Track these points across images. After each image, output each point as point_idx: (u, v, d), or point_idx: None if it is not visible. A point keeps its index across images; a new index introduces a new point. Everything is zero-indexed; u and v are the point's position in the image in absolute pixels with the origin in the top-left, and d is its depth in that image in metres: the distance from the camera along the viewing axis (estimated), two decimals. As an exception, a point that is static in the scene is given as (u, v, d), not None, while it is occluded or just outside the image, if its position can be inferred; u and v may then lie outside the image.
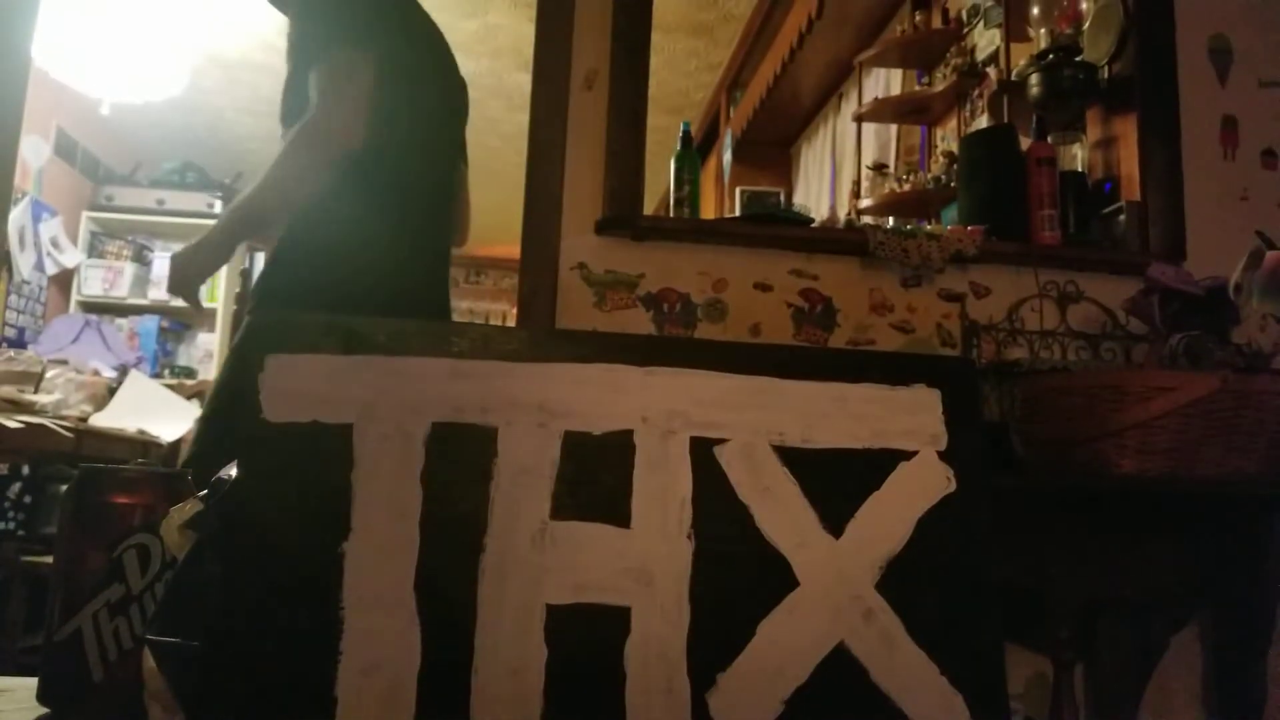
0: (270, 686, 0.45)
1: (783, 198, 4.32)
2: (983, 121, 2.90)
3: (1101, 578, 1.66)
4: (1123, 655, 1.91)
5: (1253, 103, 2.32)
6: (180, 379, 4.56)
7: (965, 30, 3.13)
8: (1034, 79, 2.33)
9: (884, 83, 3.80)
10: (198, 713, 0.44)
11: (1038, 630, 1.67)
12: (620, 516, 0.50)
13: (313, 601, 0.47)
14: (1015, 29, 2.75)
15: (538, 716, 0.47)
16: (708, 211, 4.30)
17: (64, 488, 0.72)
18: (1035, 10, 2.45)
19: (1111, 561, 1.66)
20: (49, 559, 2.04)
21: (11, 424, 2.46)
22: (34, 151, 4.47)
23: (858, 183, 3.57)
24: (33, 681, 0.70)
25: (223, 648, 0.45)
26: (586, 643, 0.48)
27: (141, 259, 5.13)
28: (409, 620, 0.47)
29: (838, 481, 0.53)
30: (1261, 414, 1.55)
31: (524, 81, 2.29)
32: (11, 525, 2.88)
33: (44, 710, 0.67)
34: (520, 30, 4.24)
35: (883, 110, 3.45)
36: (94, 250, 5.10)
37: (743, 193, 3.87)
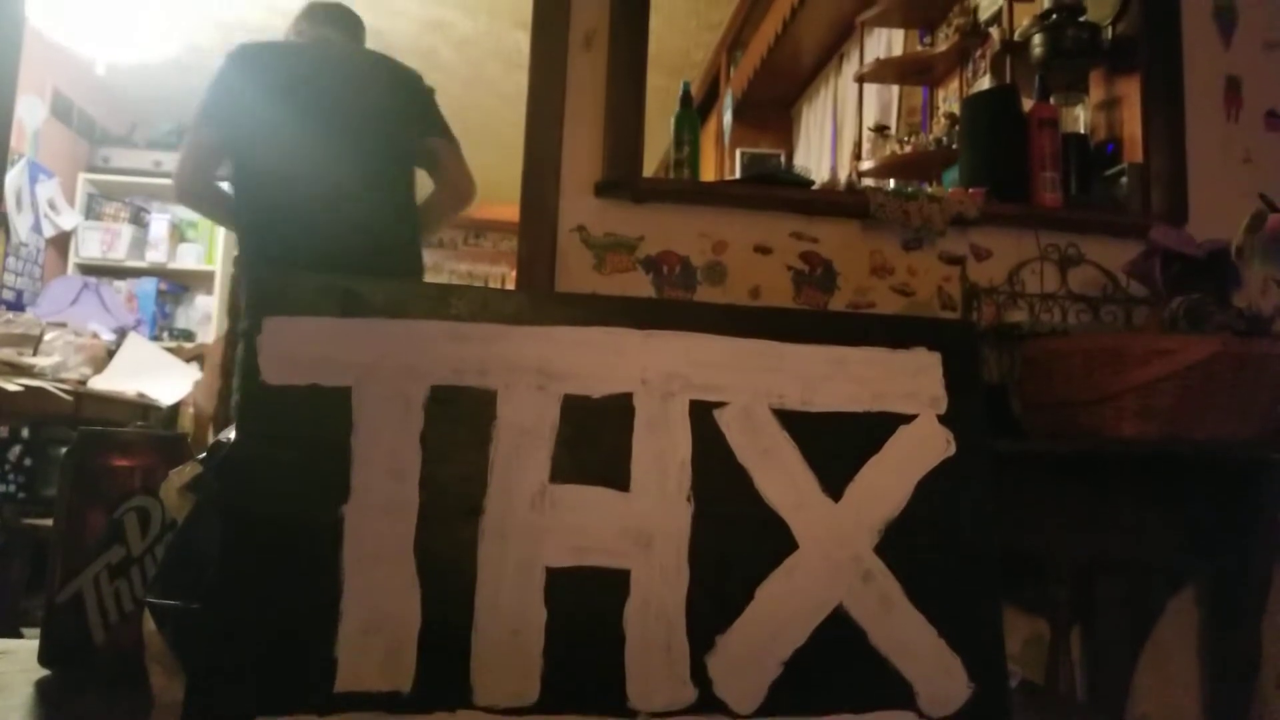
0: (270, 648, 0.45)
1: (783, 159, 4.28)
2: (985, 82, 2.87)
3: (1099, 540, 1.67)
4: (1120, 617, 1.92)
5: (1257, 64, 2.29)
6: (179, 342, 4.56)
7: (969, -11, 3.09)
8: (1037, 39, 2.30)
9: (886, 43, 3.75)
10: (198, 674, 0.44)
11: (1035, 592, 1.68)
12: (620, 479, 0.50)
13: (312, 563, 0.47)
14: (1019, -12, 2.72)
15: (538, 676, 0.47)
16: (708, 173, 4.26)
17: (64, 450, 0.72)
18: (1040, -32, 2.42)
19: (1109, 524, 1.67)
20: (50, 521, 2.06)
21: (11, 387, 2.46)
22: (30, 112, 4.43)
23: (859, 144, 3.54)
24: (34, 643, 0.70)
25: (223, 610, 0.45)
26: (586, 605, 0.48)
27: (139, 221, 5.10)
28: (409, 581, 0.47)
29: (837, 444, 0.53)
30: (1261, 377, 1.55)
31: (522, 40, 2.26)
32: (12, 488, 2.89)
33: (46, 672, 0.68)
34: (518, -12, 4.18)
35: (884, 71, 3.41)
36: (91, 212, 5.06)
37: (743, 154, 3.83)
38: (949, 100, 3.21)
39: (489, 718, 0.46)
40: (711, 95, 4.99)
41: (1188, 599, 2.04)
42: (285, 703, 0.44)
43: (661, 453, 0.50)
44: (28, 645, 0.72)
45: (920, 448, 0.53)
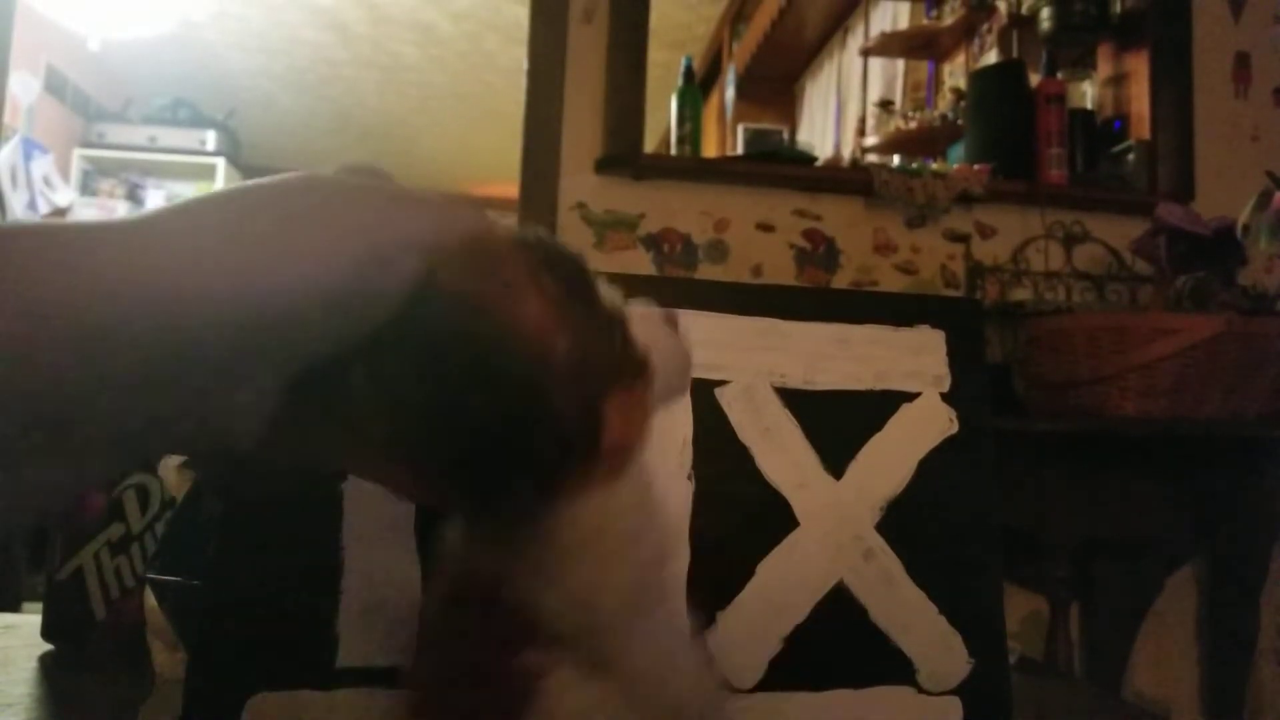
0: (271, 625, 0.45)
1: (786, 136, 4.26)
2: (991, 57, 2.85)
3: (1099, 518, 1.67)
4: (1118, 594, 1.93)
5: (1267, 39, 2.27)
6: (179, 318, 4.55)
7: (975, -37, 3.06)
8: (1044, 13, 2.28)
9: (891, 16, 3.72)
10: (199, 650, 0.44)
11: (1034, 569, 1.69)
12: (621, 457, 0.50)
13: (312, 541, 0.46)
14: (1026, -39, 2.69)
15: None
16: (710, 150, 4.24)
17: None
18: (1047, -58, 2.39)
19: (1109, 502, 1.67)
20: (53, 497, 2.06)
21: (12, 363, 2.45)
22: (23, 88, 4.39)
23: (863, 120, 3.52)
24: (36, 619, 0.70)
25: (223, 587, 0.45)
26: (587, 582, 0.48)
27: (135, 198, 5.08)
28: (409, 559, 0.47)
29: (839, 423, 0.53)
30: (1265, 356, 1.55)
31: (521, 14, 2.24)
32: (15, 463, 2.89)
33: (48, 647, 0.68)
34: (519, -38, 4.14)
35: (890, 45, 3.39)
36: (86, 189, 5.04)
37: (745, 130, 3.81)
38: (955, 75, 3.19)
39: (490, 694, 0.46)
40: (713, 70, 4.95)
41: (1186, 576, 2.04)
42: (286, 677, 0.44)
43: (663, 431, 0.50)
44: (31, 620, 0.73)
45: (923, 426, 0.53)
